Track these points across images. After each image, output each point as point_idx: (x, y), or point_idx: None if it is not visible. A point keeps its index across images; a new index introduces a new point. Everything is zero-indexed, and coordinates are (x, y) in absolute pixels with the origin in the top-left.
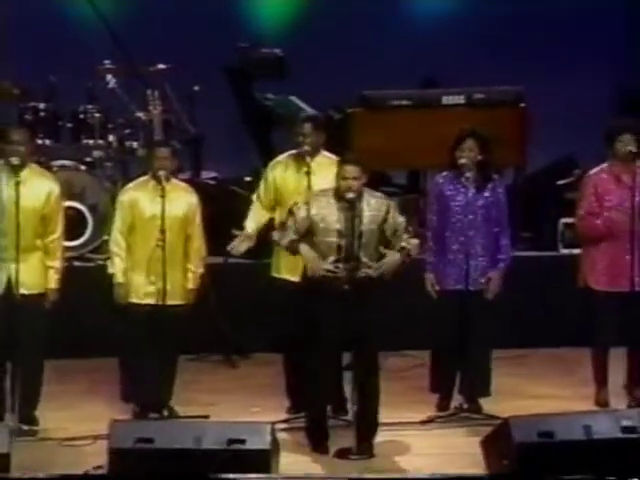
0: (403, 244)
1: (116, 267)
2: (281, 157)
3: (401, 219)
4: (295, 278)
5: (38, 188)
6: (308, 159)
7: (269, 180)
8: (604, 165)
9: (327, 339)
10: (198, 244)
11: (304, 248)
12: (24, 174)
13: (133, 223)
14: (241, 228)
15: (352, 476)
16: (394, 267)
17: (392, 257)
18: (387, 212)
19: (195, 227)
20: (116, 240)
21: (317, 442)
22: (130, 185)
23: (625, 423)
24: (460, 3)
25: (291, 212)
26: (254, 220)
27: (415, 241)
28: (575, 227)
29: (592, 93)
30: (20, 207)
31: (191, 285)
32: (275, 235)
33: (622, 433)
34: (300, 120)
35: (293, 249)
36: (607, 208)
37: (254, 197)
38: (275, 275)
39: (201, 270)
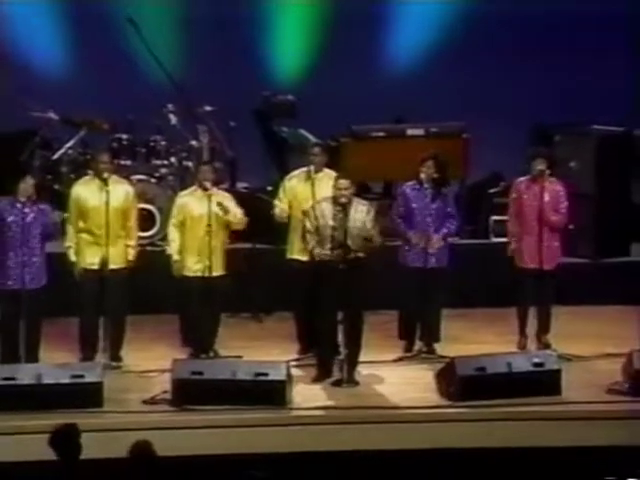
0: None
1: (173, 249)
2: (295, 172)
3: (373, 224)
4: (304, 258)
5: (119, 191)
6: (314, 174)
7: (286, 189)
8: (524, 177)
9: (328, 303)
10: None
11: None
12: (110, 182)
13: (184, 219)
14: (264, 223)
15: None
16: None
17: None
18: (368, 213)
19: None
20: (172, 230)
21: (322, 372)
22: (183, 192)
23: (536, 360)
24: (420, 58)
25: (308, 218)
26: (282, 208)
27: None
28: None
29: (514, 127)
30: (109, 206)
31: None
32: (308, 239)
33: (534, 367)
34: (311, 145)
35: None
36: (522, 209)
37: (276, 201)
38: (290, 256)
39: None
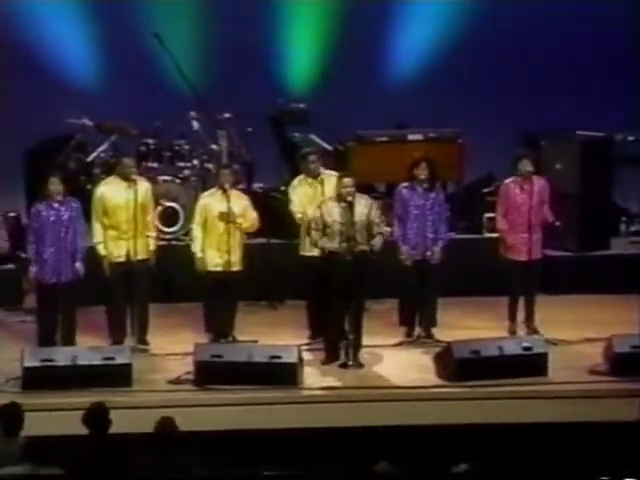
0: (380, 231)
1: (196, 247)
2: (296, 179)
3: (378, 213)
4: (315, 253)
5: (141, 188)
6: (319, 175)
7: (295, 194)
8: (511, 179)
9: (337, 292)
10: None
11: (321, 242)
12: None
13: (206, 219)
14: (278, 220)
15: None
16: (380, 245)
17: (378, 240)
18: (371, 207)
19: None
20: (195, 229)
21: (330, 355)
22: (204, 194)
23: (525, 344)
24: (420, 66)
25: (314, 216)
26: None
27: (387, 228)
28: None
29: (505, 132)
30: (137, 203)
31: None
32: (312, 234)
33: (523, 351)
34: (308, 153)
35: (317, 246)
36: (514, 207)
37: (292, 208)
38: (302, 253)
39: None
